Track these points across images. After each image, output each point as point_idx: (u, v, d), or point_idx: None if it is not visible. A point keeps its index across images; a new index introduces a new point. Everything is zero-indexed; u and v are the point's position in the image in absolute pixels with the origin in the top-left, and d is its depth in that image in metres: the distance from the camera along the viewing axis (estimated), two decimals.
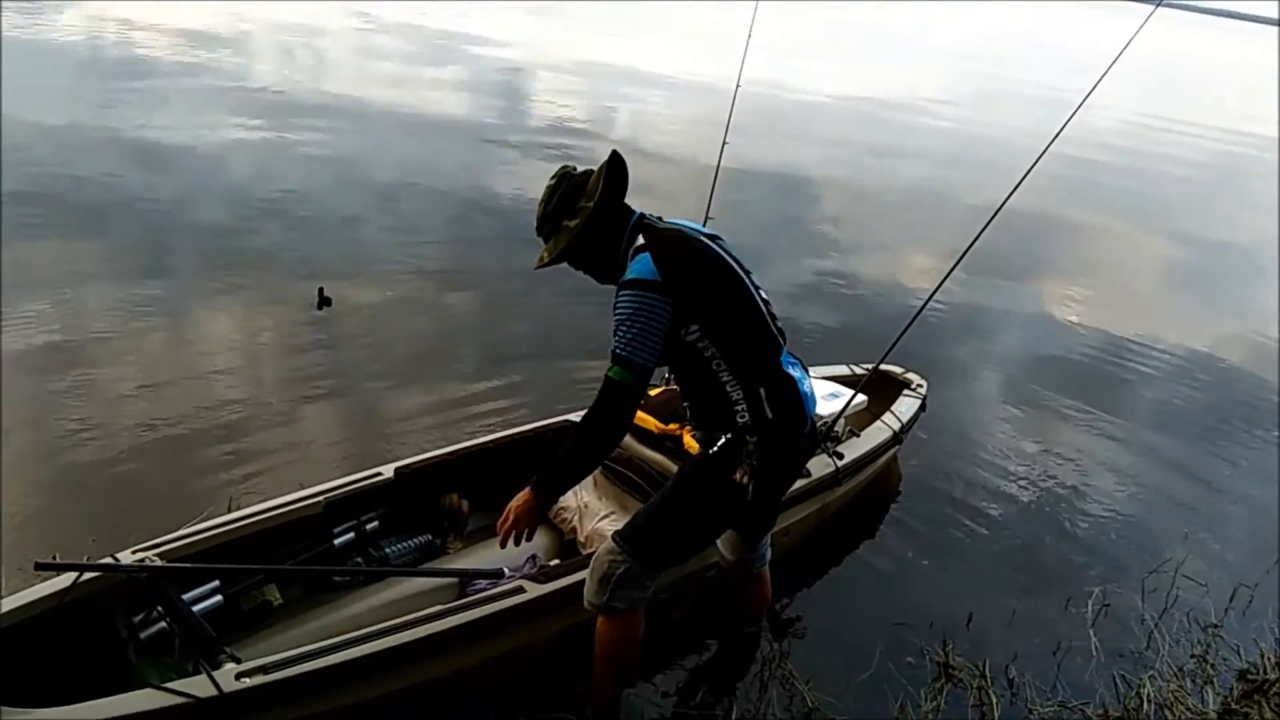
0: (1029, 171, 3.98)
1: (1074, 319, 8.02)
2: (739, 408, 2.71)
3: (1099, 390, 6.42)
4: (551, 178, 2.81)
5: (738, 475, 2.68)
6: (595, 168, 2.79)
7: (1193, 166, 16.91)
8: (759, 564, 3.40)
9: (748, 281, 2.82)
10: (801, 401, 2.80)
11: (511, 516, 2.77)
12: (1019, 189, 3.98)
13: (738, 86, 4.84)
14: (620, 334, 2.57)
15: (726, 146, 4.75)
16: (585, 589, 2.89)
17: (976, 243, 3.95)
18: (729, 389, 2.72)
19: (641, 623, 2.95)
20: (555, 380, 5.41)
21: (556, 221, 2.77)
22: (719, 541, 3.21)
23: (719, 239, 2.88)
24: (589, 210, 2.71)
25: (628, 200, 2.81)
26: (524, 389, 5.24)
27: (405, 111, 12.84)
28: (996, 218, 3.93)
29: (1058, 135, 4.07)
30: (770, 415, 2.70)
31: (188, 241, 7.10)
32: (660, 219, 2.85)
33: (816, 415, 2.93)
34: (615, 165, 2.76)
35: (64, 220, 7.19)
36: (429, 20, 22.59)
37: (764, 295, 2.88)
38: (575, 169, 2.82)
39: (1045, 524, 4.68)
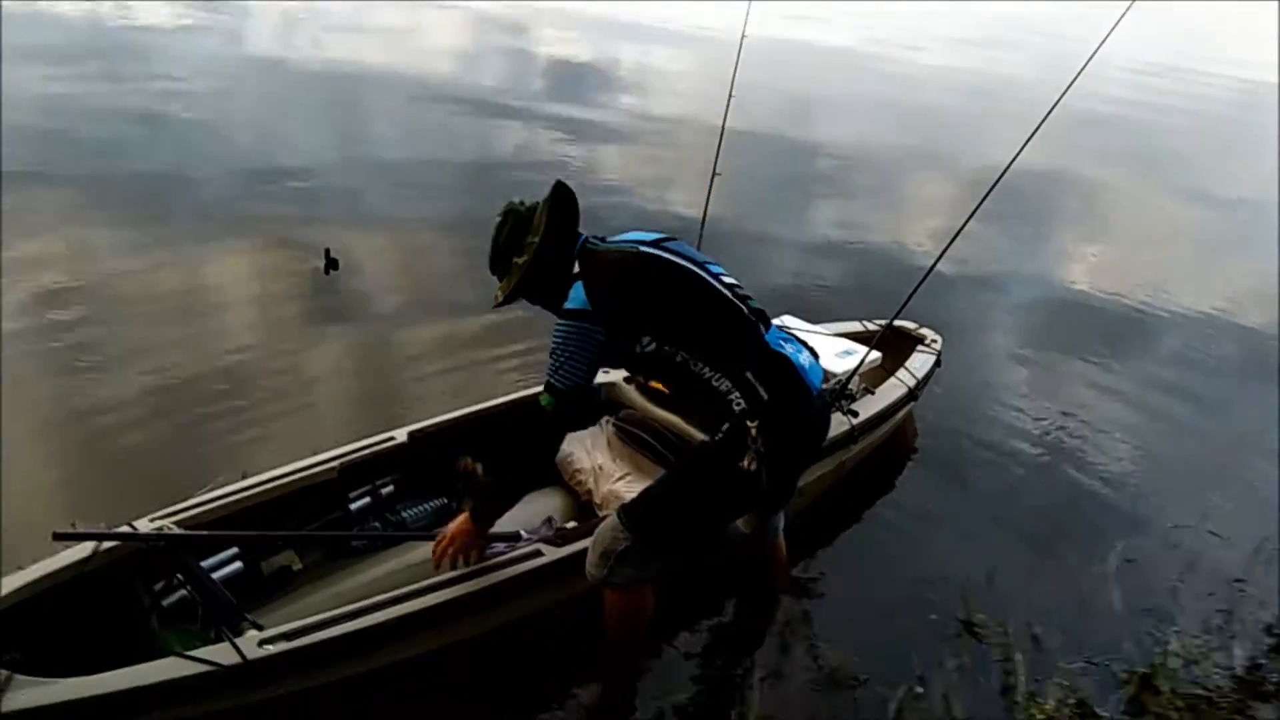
0: (1039, 126, 3.91)
1: (1090, 272, 7.93)
2: (732, 397, 2.66)
3: (1117, 344, 6.35)
4: (499, 214, 2.82)
5: (745, 463, 2.63)
6: (542, 199, 2.79)
7: (1207, 119, 16.65)
8: (773, 536, 3.39)
9: (703, 275, 2.77)
10: (799, 374, 2.74)
11: (447, 540, 2.84)
12: (1030, 143, 3.91)
13: (743, 38, 4.74)
14: (551, 362, 2.64)
15: (732, 101, 4.67)
16: (587, 559, 2.87)
17: (989, 197, 3.88)
18: (714, 382, 2.68)
19: (650, 596, 2.93)
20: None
21: (506, 259, 2.77)
22: None
23: (669, 240, 2.85)
24: (535, 246, 2.70)
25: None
26: (535, 350, 5.19)
27: (405, 73, 12.68)
28: (1008, 173, 3.86)
29: (1069, 88, 3.99)
30: (766, 396, 2.65)
31: (193, 209, 7.02)
32: (602, 241, 2.82)
33: (825, 385, 2.87)
34: (558, 198, 2.75)
35: (70, 191, 7.11)
36: None
37: (727, 281, 2.83)
38: (522, 204, 2.81)
39: (1065, 479, 4.63)
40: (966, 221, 4.01)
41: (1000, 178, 3.88)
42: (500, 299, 2.82)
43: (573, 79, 13.81)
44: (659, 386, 3.78)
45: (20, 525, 3.39)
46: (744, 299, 2.82)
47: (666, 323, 2.69)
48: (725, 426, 2.68)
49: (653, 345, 2.68)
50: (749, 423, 2.63)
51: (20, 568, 2.71)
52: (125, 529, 2.80)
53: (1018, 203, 8.49)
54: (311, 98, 10.94)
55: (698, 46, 17.10)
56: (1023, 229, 8.64)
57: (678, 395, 3.08)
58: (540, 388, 2.71)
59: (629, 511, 2.81)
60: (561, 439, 2.94)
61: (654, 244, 2.80)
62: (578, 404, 2.71)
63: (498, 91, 12.41)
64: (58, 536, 2.67)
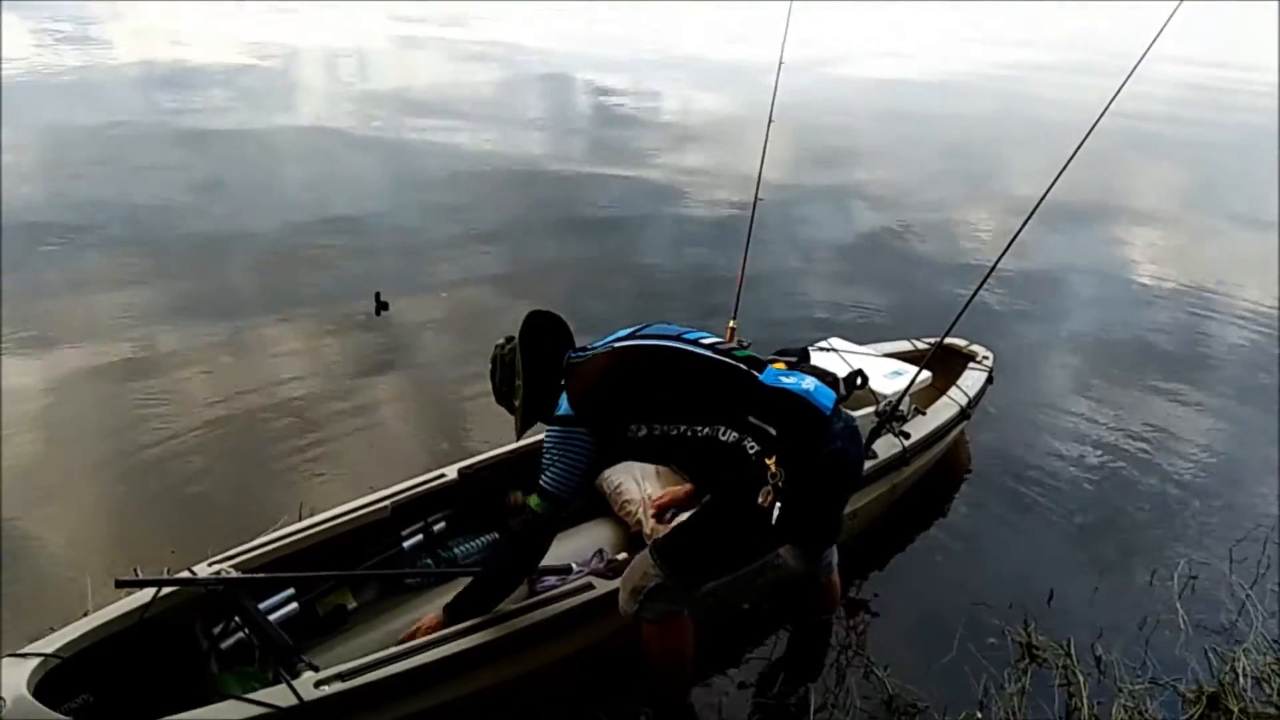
0: (1089, 134, 3.87)
1: (1145, 284, 7.79)
2: (744, 444, 2.64)
3: (1174, 356, 6.24)
4: (490, 360, 2.97)
5: (760, 499, 2.60)
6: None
7: (1264, 113, 16.28)
8: (825, 573, 3.36)
9: (679, 346, 2.82)
10: (805, 401, 2.70)
11: (420, 633, 2.82)
12: (1078, 156, 3.86)
13: (780, 63, 4.76)
14: (544, 468, 2.76)
15: (772, 124, 4.68)
16: (619, 595, 2.88)
17: (1036, 212, 3.84)
18: (721, 437, 2.66)
19: (688, 627, 2.93)
20: None
21: (508, 402, 2.95)
22: (782, 551, 3.14)
23: (646, 327, 2.93)
24: (521, 389, 2.85)
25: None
26: None
27: (451, 113, 12.88)
28: (1056, 188, 3.81)
29: (1117, 93, 3.94)
30: (775, 432, 2.63)
31: (245, 254, 7.21)
32: (584, 351, 2.90)
33: (840, 407, 2.83)
34: (528, 335, 2.88)
35: (125, 237, 7.36)
36: (467, 29, 22.70)
37: (707, 343, 2.86)
38: (505, 346, 2.93)
39: (1124, 496, 4.54)
40: (1015, 236, 3.95)
41: (1047, 192, 3.83)
42: (518, 435, 3.01)
43: (617, 114, 13.93)
44: None
45: (85, 571, 3.50)
46: (727, 353, 2.83)
47: (647, 403, 2.73)
48: (748, 473, 2.64)
49: (643, 430, 2.71)
50: (767, 460, 2.60)
51: (85, 614, 2.79)
52: (185, 574, 2.86)
53: (1067, 217, 8.41)
54: (356, 143, 11.15)
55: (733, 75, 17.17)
56: (1073, 242, 8.52)
57: (687, 471, 3.11)
58: None
59: (660, 547, 2.82)
60: (548, 544, 2.92)
61: (630, 336, 2.89)
62: (566, 507, 2.81)
63: (539, 129, 12.56)
64: (121, 584, 2.73)
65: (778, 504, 2.58)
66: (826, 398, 2.75)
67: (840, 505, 2.97)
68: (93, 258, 6.98)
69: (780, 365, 2.86)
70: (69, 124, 10.82)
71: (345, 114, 12.53)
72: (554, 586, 3.03)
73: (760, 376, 2.75)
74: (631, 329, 2.93)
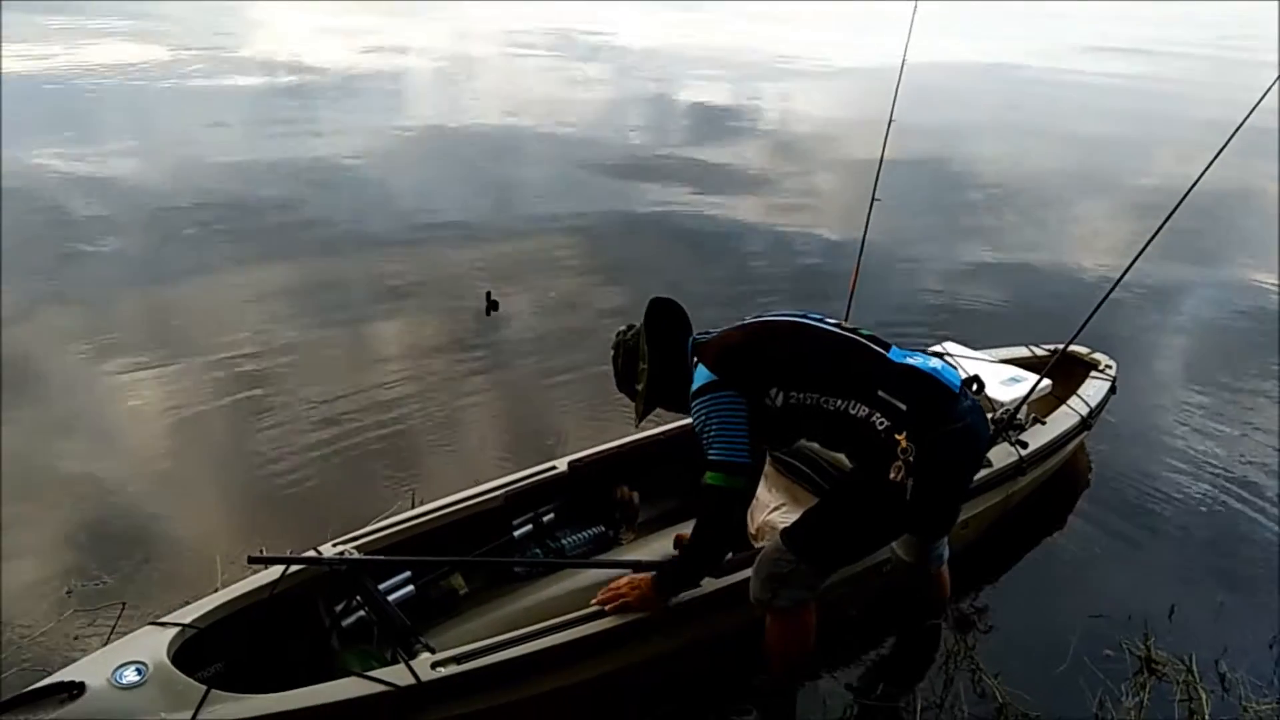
0: (1226, 144, 3.71)
1: (1273, 294, 7.45)
2: (874, 419, 2.65)
3: None
4: (611, 346, 3.01)
5: (891, 474, 2.60)
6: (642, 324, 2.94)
7: None
8: (936, 564, 3.32)
9: (808, 321, 2.87)
10: (933, 377, 2.72)
11: (624, 592, 2.84)
12: (1215, 162, 3.71)
13: (903, 63, 4.70)
14: (707, 441, 2.70)
15: (892, 126, 4.63)
16: (750, 586, 2.90)
17: (1171, 218, 3.71)
18: (852, 411, 2.68)
19: (813, 618, 2.94)
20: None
21: (630, 387, 2.98)
22: (894, 543, 3.14)
23: (767, 310, 3.00)
24: (645, 373, 2.89)
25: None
26: None
27: (556, 118, 13.08)
28: (1196, 187, 3.68)
29: (1260, 102, 3.76)
30: (904, 407, 2.64)
31: (357, 255, 7.47)
32: (706, 334, 2.95)
33: (966, 384, 2.80)
34: (653, 318, 2.92)
35: (245, 243, 7.66)
36: (571, 33, 22.97)
37: (832, 322, 2.89)
38: (627, 333, 2.98)
39: (1251, 510, 4.36)
40: (1148, 244, 3.80)
41: (1184, 198, 3.69)
42: (637, 422, 3.05)
43: (726, 116, 13.92)
44: None
45: (215, 551, 3.70)
46: (854, 330, 2.86)
47: (785, 370, 2.74)
48: (877, 449, 2.66)
49: (780, 396, 2.71)
50: (897, 435, 2.61)
51: (216, 589, 2.94)
52: (311, 553, 2.98)
53: (1198, 222, 8.06)
54: (466, 148, 11.41)
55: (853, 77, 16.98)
56: (1203, 250, 8.20)
57: (824, 443, 3.10)
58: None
59: (791, 534, 2.83)
60: (741, 514, 3.00)
61: (755, 319, 2.95)
62: (745, 472, 2.73)
63: (649, 132, 12.64)
64: (252, 560, 2.86)
65: (910, 479, 2.58)
66: (954, 376, 2.77)
67: (967, 484, 2.94)
68: (218, 252, 7.34)
69: (935, 355, 2.92)
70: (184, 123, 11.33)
71: (459, 117, 12.84)
72: None
73: (888, 354, 2.77)
74: (754, 315, 2.99)
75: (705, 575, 2.92)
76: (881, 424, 2.64)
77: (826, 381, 2.72)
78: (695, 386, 2.76)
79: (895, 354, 2.79)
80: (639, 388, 2.93)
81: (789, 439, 3.17)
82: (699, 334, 2.97)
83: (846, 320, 4.11)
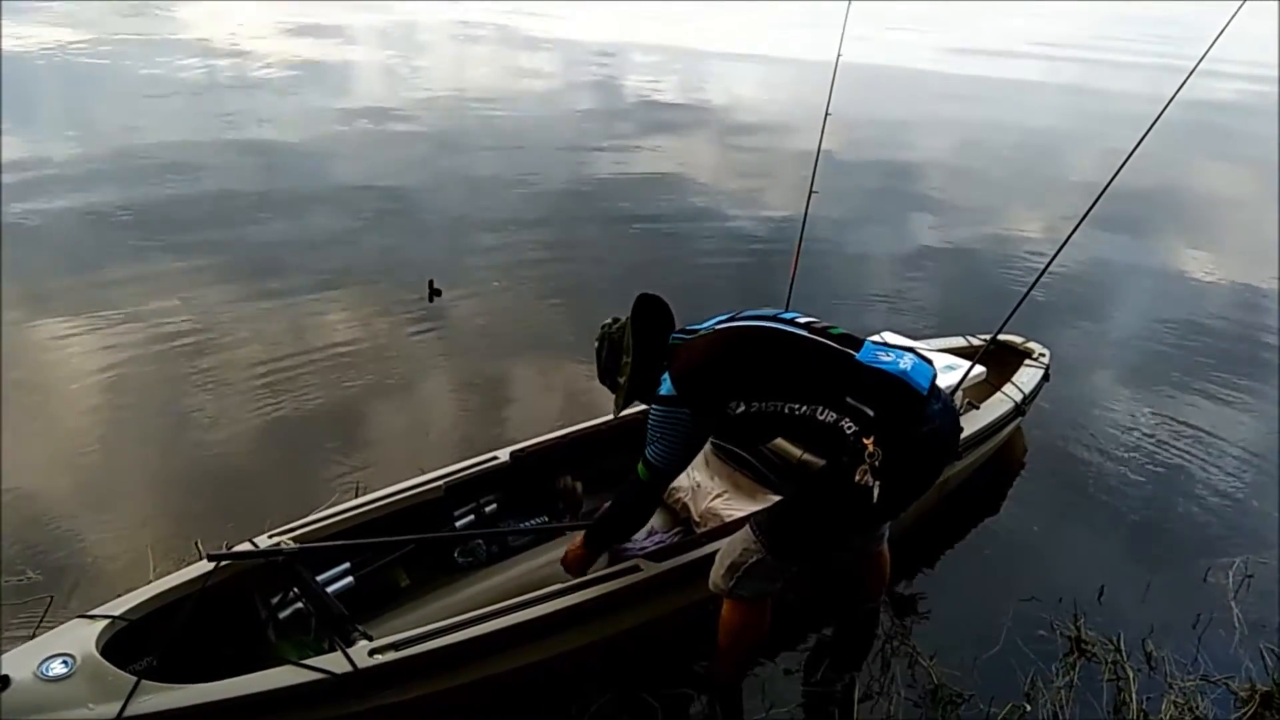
0: (1148, 132, 3.79)
1: (1202, 281, 7.69)
2: (841, 424, 2.65)
3: (1231, 355, 6.13)
4: (596, 339, 3.08)
5: (857, 478, 2.61)
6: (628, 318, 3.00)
7: None
8: (877, 543, 3.36)
9: (776, 326, 2.84)
10: (901, 381, 2.69)
11: (566, 559, 3.12)
12: (1138, 152, 3.78)
13: (838, 56, 4.74)
14: (651, 440, 2.84)
15: (829, 118, 4.67)
16: (712, 572, 2.91)
17: (1095, 208, 3.79)
18: (820, 416, 2.67)
19: (768, 612, 2.97)
20: None
21: (612, 379, 3.05)
22: None
23: (743, 311, 2.97)
24: (629, 366, 2.96)
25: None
26: None
27: (501, 105, 13.05)
28: (1116, 183, 3.76)
29: (1178, 92, 3.84)
30: (872, 413, 2.63)
31: (299, 241, 7.38)
32: (684, 334, 2.97)
33: (936, 384, 2.82)
34: (640, 314, 2.97)
35: (182, 225, 7.55)
36: (518, 21, 22.89)
37: (802, 322, 2.87)
38: (613, 326, 3.05)
39: (1179, 494, 4.48)
40: (1073, 232, 3.89)
41: (1104, 190, 3.78)
42: (616, 411, 3.15)
43: (668, 108, 13.96)
44: None
45: (147, 541, 3.64)
46: (824, 331, 2.84)
47: (750, 382, 2.75)
48: (845, 453, 2.66)
49: (741, 407, 2.73)
50: (865, 440, 2.61)
51: (149, 581, 2.89)
52: (245, 545, 2.94)
53: (1126, 213, 8.27)
54: (415, 132, 11.31)
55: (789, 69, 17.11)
56: (1131, 240, 8.41)
57: (793, 442, 3.20)
58: None
59: (762, 525, 2.85)
60: (654, 507, 3.12)
61: (729, 320, 2.94)
62: (669, 478, 2.93)
63: (595, 121, 12.63)
64: (212, 557, 2.83)
65: (876, 483, 2.60)
66: (923, 377, 2.74)
67: (932, 482, 2.95)
68: (154, 236, 7.24)
69: (878, 341, 2.91)
70: (139, 110, 11.11)
71: (404, 101, 12.73)
72: (635, 553, 3.12)
73: (857, 355, 2.75)
74: (731, 313, 2.98)
75: (622, 538, 3.22)
76: (850, 429, 2.64)
77: (792, 389, 2.71)
78: (659, 392, 2.82)
79: (866, 353, 2.76)
80: (621, 381, 2.99)
81: (755, 441, 3.29)
82: (678, 332, 2.99)
83: (787, 307, 4.19)
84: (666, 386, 2.79)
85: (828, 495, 2.77)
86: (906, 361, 2.76)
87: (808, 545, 2.89)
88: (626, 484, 2.95)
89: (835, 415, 2.65)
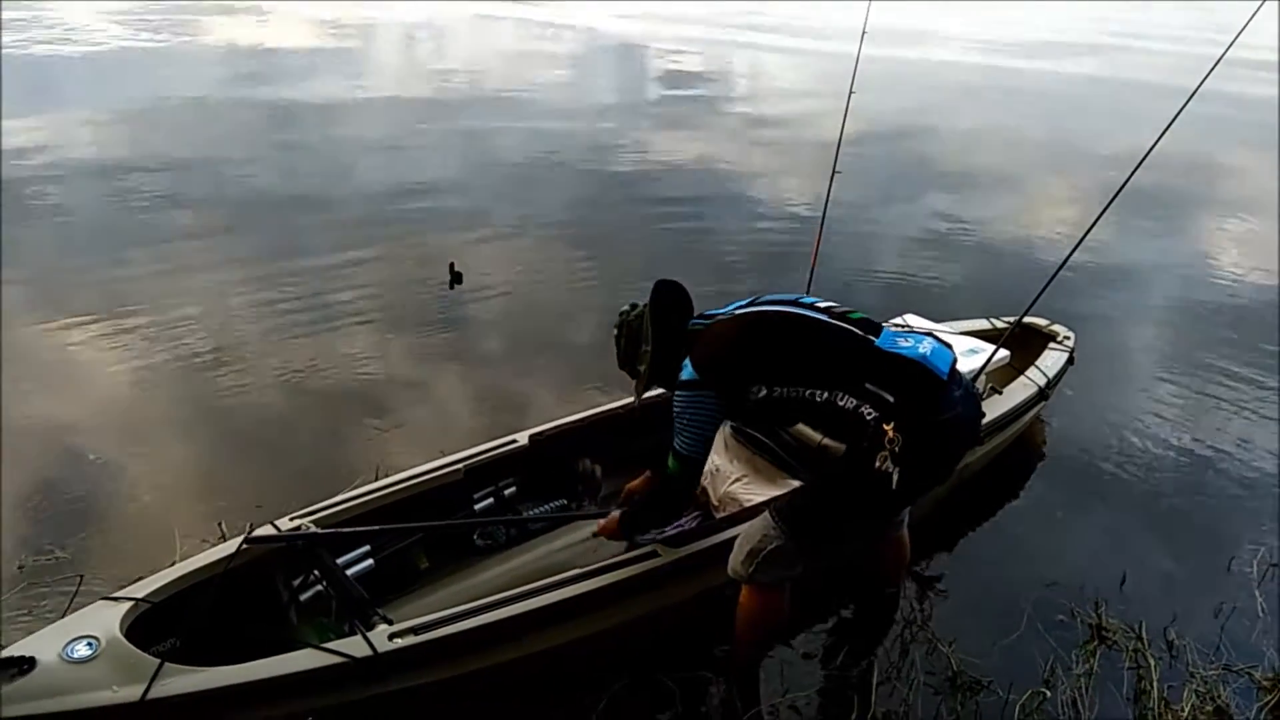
0: (1177, 115, 3.72)
1: (1231, 264, 7.58)
2: (862, 409, 2.64)
3: (1259, 339, 6.05)
4: (614, 326, 3.09)
5: (877, 464, 2.60)
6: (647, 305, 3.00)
7: None
8: (897, 528, 3.35)
9: (797, 311, 2.83)
10: (921, 367, 2.68)
11: (603, 530, 3.16)
12: (1166, 134, 3.73)
13: (863, 34, 4.69)
14: (678, 430, 2.83)
15: (852, 97, 4.62)
16: (731, 558, 2.91)
17: (1124, 190, 3.73)
18: (840, 402, 2.67)
19: (786, 599, 2.96)
20: None
21: (632, 366, 3.07)
22: None
23: (763, 295, 2.97)
24: (648, 355, 2.96)
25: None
26: None
27: (526, 90, 13.02)
28: (1146, 166, 3.70)
29: (1205, 79, 3.76)
30: (892, 399, 2.62)
31: (323, 228, 7.41)
32: (704, 319, 2.96)
33: (956, 369, 2.79)
34: (658, 301, 2.97)
35: (206, 213, 7.59)
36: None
37: (822, 306, 2.86)
38: (631, 313, 3.05)
39: (1204, 482, 4.44)
40: (1101, 213, 3.81)
41: (1135, 171, 3.70)
42: (637, 401, 3.16)
43: (690, 90, 13.88)
44: None
45: (173, 524, 3.67)
46: (844, 316, 2.83)
47: (767, 369, 2.74)
48: (865, 438, 2.65)
49: (763, 391, 2.72)
50: (885, 426, 2.60)
51: (173, 563, 2.92)
52: (268, 528, 2.97)
53: (1156, 196, 8.17)
54: (439, 121, 11.31)
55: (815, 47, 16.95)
56: (1162, 222, 8.30)
57: (822, 431, 3.14)
58: None
59: (782, 512, 2.85)
60: (692, 492, 3.10)
61: (749, 304, 2.93)
62: (700, 465, 2.91)
63: (617, 108, 12.59)
64: (248, 540, 2.86)
65: (896, 469, 2.59)
66: (943, 362, 2.73)
67: (954, 468, 2.94)
68: (180, 221, 7.29)
69: (897, 326, 2.90)
70: (163, 94, 11.17)
71: (428, 90, 12.72)
72: (654, 539, 3.11)
73: (877, 341, 2.74)
74: (751, 297, 2.98)
75: (659, 523, 3.15)
76: (870, 415, 2.63)
77: (812, 375, 2.71)
78: (681, 378, 2.82)
79: (885, 339, 2.74)
80: (641, 369, 3.00)
81: (776, 425, 3.25)
82: (697, 318, 2.99)
83: (809, 292, 4.16)
84: (689, 371, 2.80)
85: (847, 481, 2.76)
86: (926, 346, 2.75)
87: (827, 531, 2.89)
88: (659, 480, 2.98)
89: (855, 401, 2.65)
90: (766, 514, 2.88)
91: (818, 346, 2.77)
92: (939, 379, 2.68)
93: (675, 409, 2.82)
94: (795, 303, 2.88)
